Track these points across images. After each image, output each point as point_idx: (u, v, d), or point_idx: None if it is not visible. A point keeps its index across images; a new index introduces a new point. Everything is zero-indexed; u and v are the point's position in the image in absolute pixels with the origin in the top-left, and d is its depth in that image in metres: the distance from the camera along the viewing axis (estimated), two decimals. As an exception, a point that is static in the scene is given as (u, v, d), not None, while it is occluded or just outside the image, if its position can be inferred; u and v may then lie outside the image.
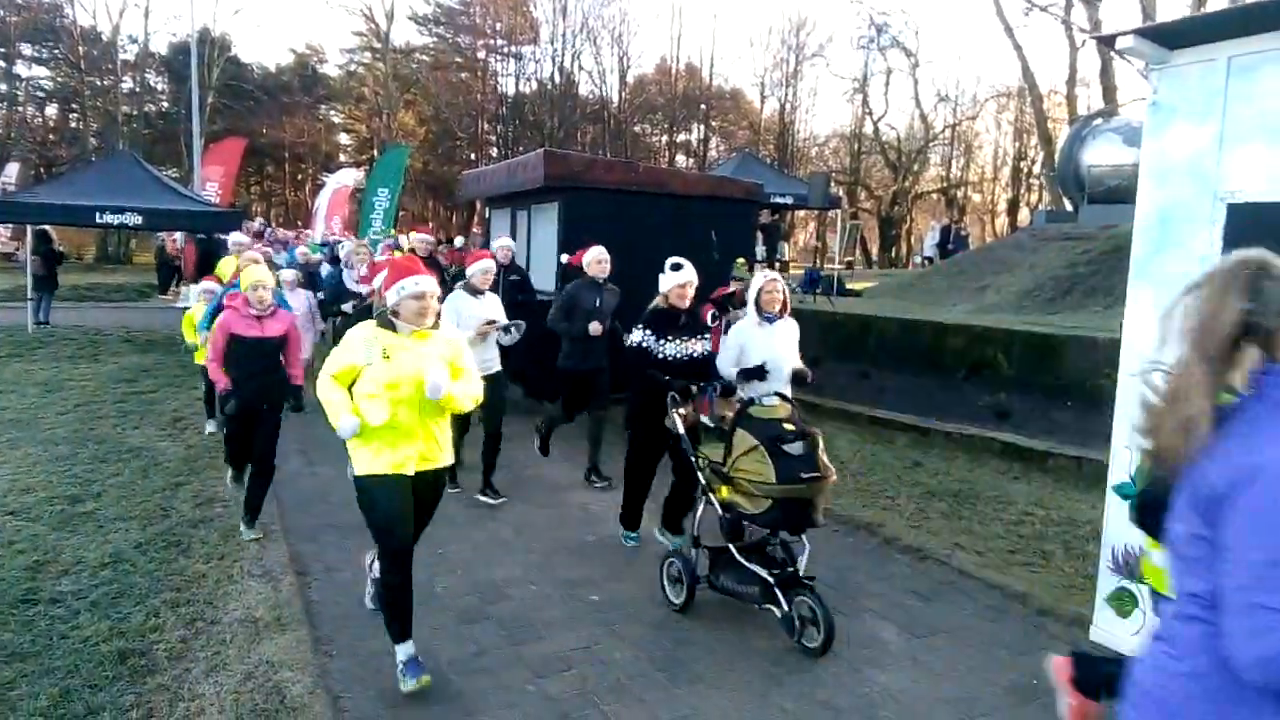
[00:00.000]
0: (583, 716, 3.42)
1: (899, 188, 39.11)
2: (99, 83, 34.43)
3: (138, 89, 36.59)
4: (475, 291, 6.07)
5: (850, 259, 23.82)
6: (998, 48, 60.48)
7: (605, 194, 9.04)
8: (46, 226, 15.61)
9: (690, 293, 5.05)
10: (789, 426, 4.07)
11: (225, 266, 9.29)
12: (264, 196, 45.57)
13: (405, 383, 3.50)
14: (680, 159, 41.83)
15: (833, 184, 22.83)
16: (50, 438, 7.43)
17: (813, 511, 3.96)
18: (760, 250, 16.82)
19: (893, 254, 38.70)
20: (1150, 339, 3.67)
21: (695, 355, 5.10)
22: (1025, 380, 8.41)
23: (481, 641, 4.05)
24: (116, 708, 3.34)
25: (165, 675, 3.60)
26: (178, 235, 19.53)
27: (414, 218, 38.79)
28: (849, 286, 17.29)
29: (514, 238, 10.78)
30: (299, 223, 32.60)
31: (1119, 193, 12.90)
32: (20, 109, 35.33)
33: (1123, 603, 3.83)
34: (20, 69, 34.97)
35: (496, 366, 6.15)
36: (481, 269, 6.11)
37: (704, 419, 4.87)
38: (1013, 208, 39.70)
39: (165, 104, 38.82)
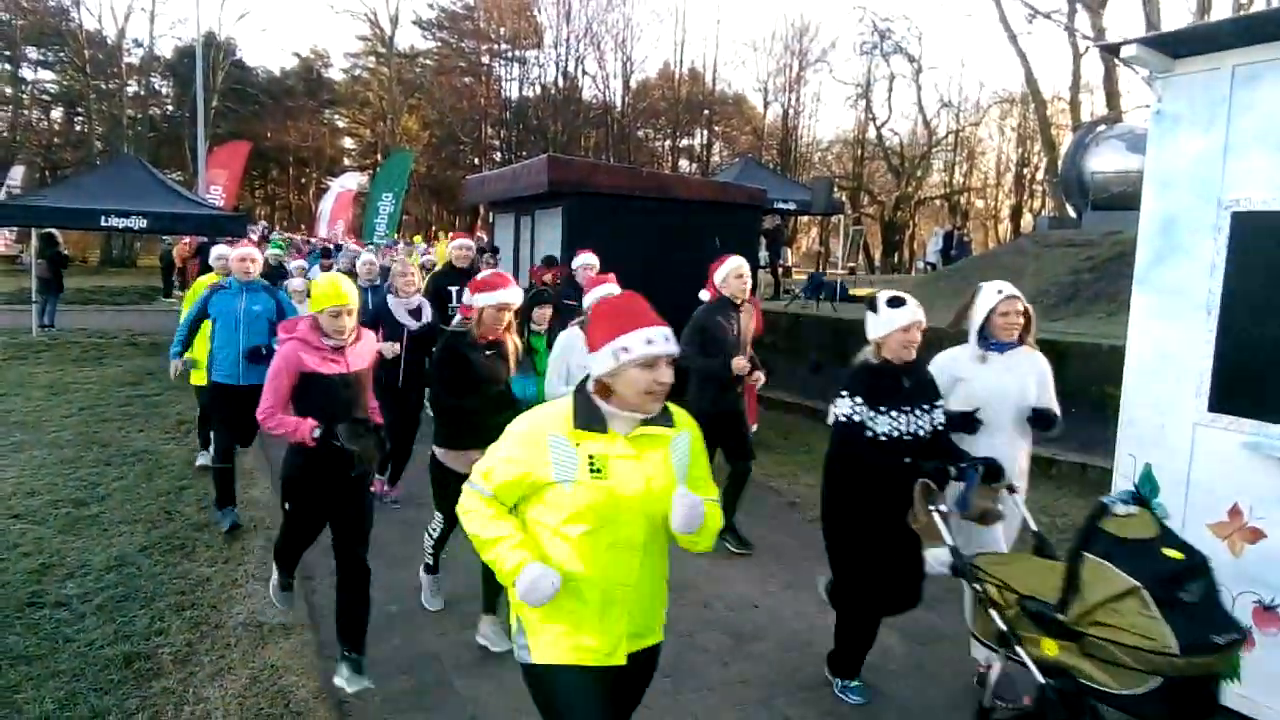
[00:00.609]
0: None
1: (902, 193, 39.14)
2: (104, 86, 34.57)
3: (143, 92, 36.76)
4: None
5: (853, 264, 23.85)
6: (1001, 54, 60.63)
7: (609, 199, 9.06)
8: (52, 229, 15.69)
9: (918, 338, 3.40)
10: (1172, 553, 2.59)
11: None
12: (268, 200, 45.70)
13: (628, 513, 2.13)
14: (683, 164, 41.92)
15: (835, 189, 22.88)
16: (55, 440, 7.45)
17: (1218, 690, 2.57)
18: (763, 255, 16.85)
19: (895, 260, 38.72)
20: (1154, 346, 3.69)
21: (924, 434, 3.41)
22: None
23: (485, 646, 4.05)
24: (122, 711, 3.35)
25: (170, 679, 3.61)
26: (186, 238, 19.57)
27: (417, 222, 38.91)
28: (852, 293, 17.28)
29: (517, 243, 10.79)
30: (302, 226, 32.73)
31: (1123, 199, 12.90)
32: (26, 112, 35.47)
33: (1127, 610, 3.82)
34: (26, 72, 35.19)
35: None
36: (602, 296, 4.63)
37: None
38: (1016, 214, 39.72)
39: (170, 108, 39.01)
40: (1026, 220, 36.96)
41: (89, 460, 6.87)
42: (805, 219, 33.08)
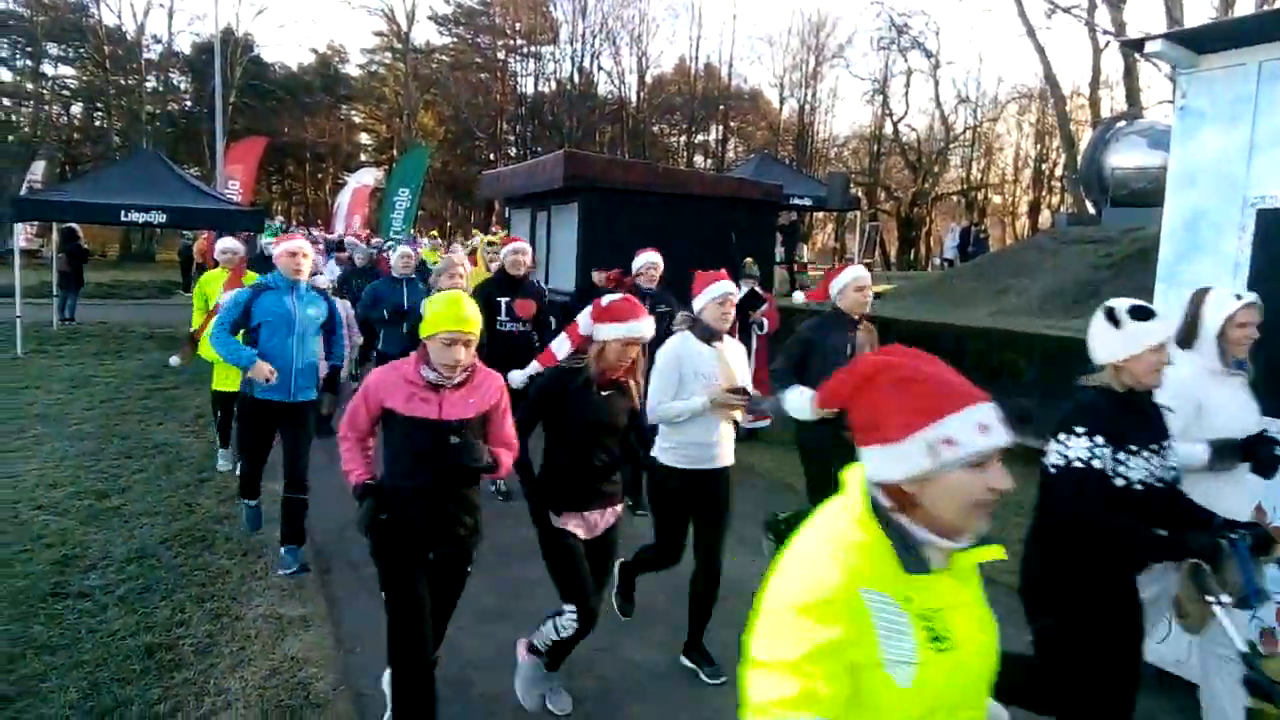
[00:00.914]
0: (605, 716, 3.44)
1: (919, 189, 38.90)
2: (124, 82, 34.88)
3: (161, 88, 37.10)
4: (710, 336, 3.79)
5: (869, 261, 23.72)
6: (1019, 49, 60.00)
7: (625, 195, 9.07)
8: (72, 224, 15.84)
9: (1169, 358, 2.68)
10: None
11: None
12: (285, 195, 45.96)
13: (976, 687, 1.42)
14: (698, 159, 41.88)
15: (852, 185, 22.80)
16: (77, 433, 7.54)
17: None
18: (779, 252, 16.82)
19: (912, 256, 38.51)
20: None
21: (1173, 479, 2.70)
22: (1046, 385, 8.34)
23: (502, 641, 4.06)
24: (144, 701, 3.40)
25: (191, 670, 3.66)
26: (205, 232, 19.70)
27: (433, 218, 39.04)
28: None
29: (533, 238, 10.80)
30: (319, 221, 32.91)
31: (1143, 195, 12.77)
32: (46, 108, 35.80)
33: (1147, 611, 3.78)
34: (47, 68, 35.49)
35: (727, 459, 3.83)
36: (718, 295, 3.80)
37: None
38: (1034, 210, 39.41)
39: (188, 103, 39.28)
40: (1045, 217, 36.67)
41: (110, 453, 6.94)
42: (821, 215, 33.05)
